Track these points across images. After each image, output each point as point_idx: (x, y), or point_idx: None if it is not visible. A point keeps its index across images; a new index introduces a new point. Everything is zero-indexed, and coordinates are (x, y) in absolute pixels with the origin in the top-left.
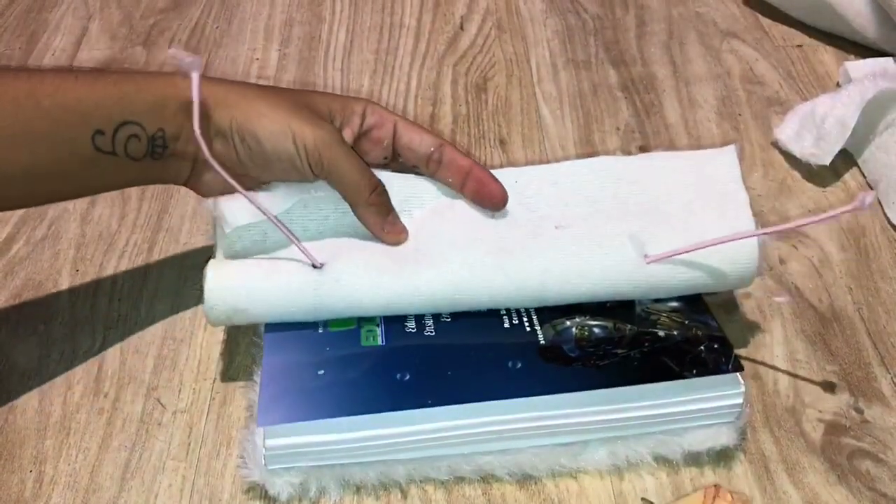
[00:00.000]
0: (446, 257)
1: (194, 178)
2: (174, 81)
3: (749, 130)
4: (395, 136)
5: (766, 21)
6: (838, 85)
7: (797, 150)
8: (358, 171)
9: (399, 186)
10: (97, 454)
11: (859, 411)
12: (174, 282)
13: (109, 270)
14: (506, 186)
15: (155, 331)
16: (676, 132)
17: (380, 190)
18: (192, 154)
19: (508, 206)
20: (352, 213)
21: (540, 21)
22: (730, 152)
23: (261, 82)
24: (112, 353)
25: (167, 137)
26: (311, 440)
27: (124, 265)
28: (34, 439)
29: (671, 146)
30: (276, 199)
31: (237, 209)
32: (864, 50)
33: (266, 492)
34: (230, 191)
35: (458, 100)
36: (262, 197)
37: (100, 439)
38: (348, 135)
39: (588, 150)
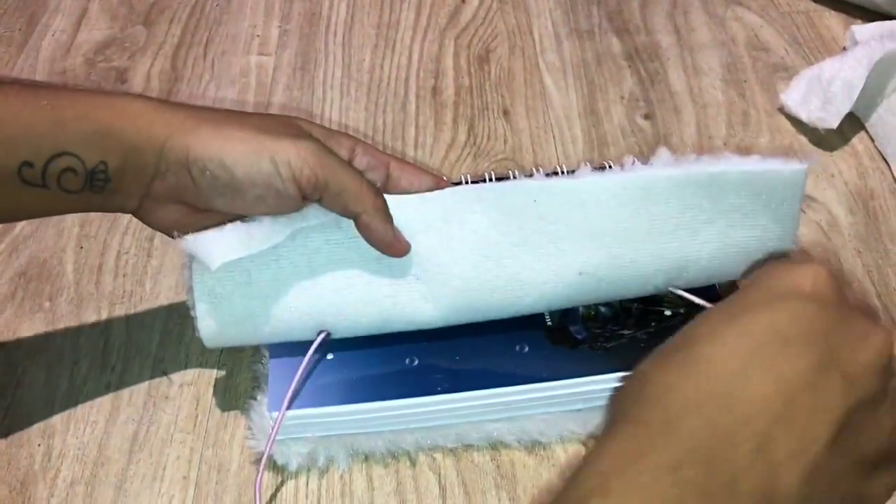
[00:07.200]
0: (448, 286)
1: (143, 212)
2: (122, 107)
3: (755, 96)
4: (388, 179)
5: None
6: (844, 49)
7: (804, 115)
8: (356, 177)
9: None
10: (105, 427)
11: None
12: (178, 257)
13: (114, 247)
14: (524, 206)
15: (160, 305)
16: (681, 100)
17: (382, 196)
18: (139, 191)
19: (523, 232)
20: (344, 244)
21: None
22: (799, 172)
23: (262, 59)
24: (118, 328)
25: (110, 171)
26: (319, 411)
27: (128, 242)
28: (42, 413)
29: (676, 114)
30: (262, 232)
31: (219, 244)
32: (870, 14)
33: (275, 462)
34: (185, 224)
35: (460, 72)
36: (244, 229)
37: (107, 413)
38: None
39: (593, 119)
